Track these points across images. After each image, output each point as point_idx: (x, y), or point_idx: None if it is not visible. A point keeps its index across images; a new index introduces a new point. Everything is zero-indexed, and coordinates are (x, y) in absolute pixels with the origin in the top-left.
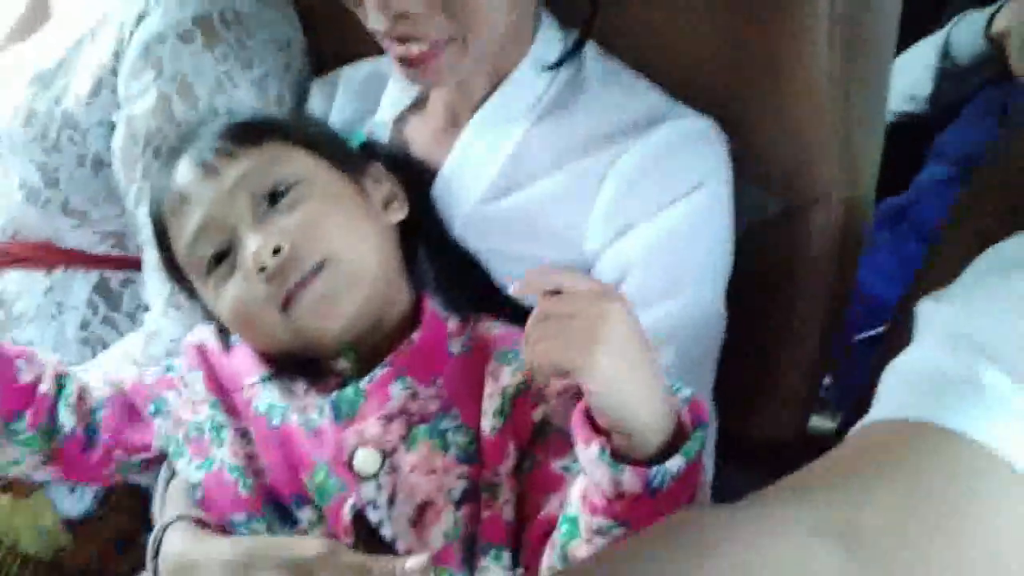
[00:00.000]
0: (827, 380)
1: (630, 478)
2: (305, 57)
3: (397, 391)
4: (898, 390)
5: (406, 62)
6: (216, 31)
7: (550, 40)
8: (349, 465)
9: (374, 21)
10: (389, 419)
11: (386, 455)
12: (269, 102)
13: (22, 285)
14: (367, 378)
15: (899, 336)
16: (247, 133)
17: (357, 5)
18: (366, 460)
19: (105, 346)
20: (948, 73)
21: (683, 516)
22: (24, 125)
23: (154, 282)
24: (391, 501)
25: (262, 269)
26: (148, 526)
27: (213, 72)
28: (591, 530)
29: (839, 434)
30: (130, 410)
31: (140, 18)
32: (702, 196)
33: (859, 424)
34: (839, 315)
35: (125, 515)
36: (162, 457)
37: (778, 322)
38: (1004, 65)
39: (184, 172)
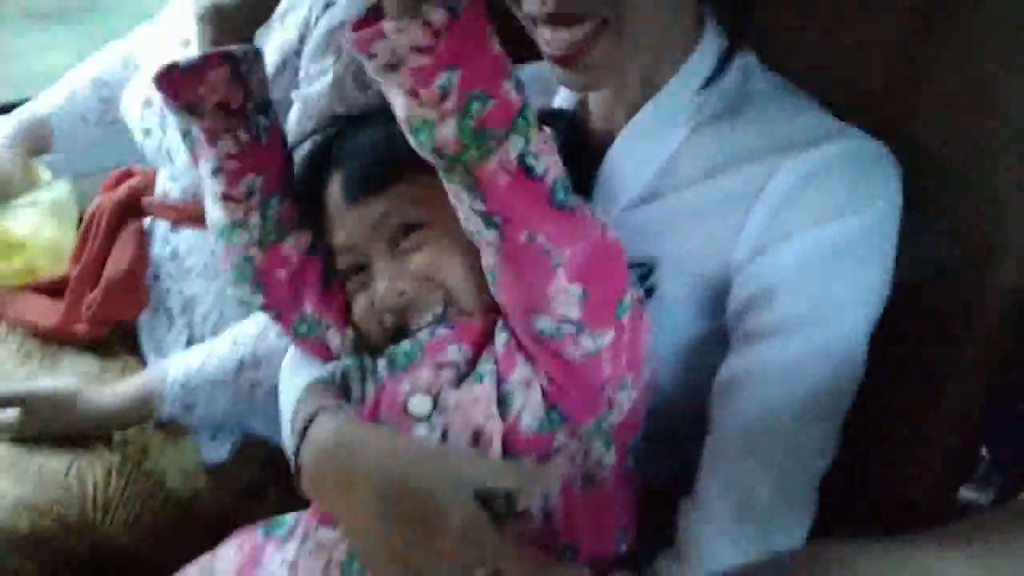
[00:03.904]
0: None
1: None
2: None
3: (453, 351)
4: None
5: (560, 60)
6: None
7: (712, 49)
8: (405, 410)
9: (529, 3)
10: (440, 367)
11: (435, 398)
12: None
13: (194, 243)
14: (427, 333)
15: None
16: (389, 171)
17: None
18: (419, 404)
19: None
20: None
21: (828, 549)
22: None
23: None
24: (444, 438)
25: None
26: (276, 478)
27: None
28: None
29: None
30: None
31: (327, 6)
32: (866, 218)
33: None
34: (1009, 382)
35: (257, 465)
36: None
37: (937, 379)
38: None
39: (334, 195)
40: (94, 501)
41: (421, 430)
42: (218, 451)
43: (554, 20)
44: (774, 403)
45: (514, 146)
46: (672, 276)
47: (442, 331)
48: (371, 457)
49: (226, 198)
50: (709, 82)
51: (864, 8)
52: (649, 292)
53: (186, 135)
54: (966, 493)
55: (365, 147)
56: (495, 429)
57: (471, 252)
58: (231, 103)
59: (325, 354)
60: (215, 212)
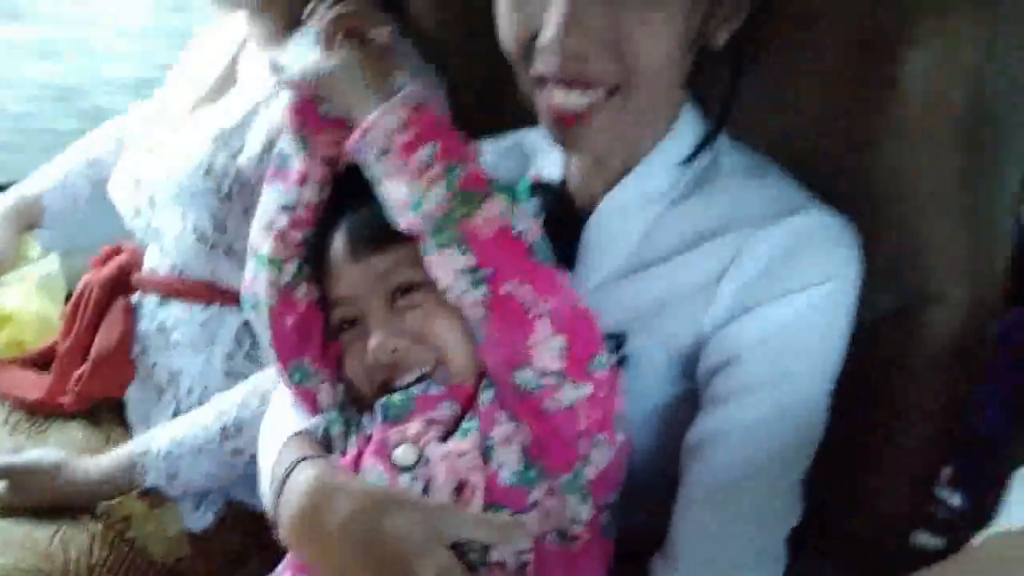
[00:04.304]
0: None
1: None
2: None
3: (444, 408)
4: None
5: (565, 122)
6: None
7: (690, 128)
8: (390, 459)
9: (544, 64)
10: (430, 423)
11: (421, 450)
12: None
13: (181, 317)
14: (420, 389)
15: None
16: (394, 230)
17: (520, 56)
18: (404, 454)
19: (245, 378)
20: None
21: None
22: (204, 176)
23: None
24: (425, 491)
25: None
26: (259, 545)
27: None
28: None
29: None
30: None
31: None
32: (827, 291)
33: (985, 533)
34: (953, 426)
35: (240, 533)
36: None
37: (883, 427)
38: None
39: (338, 249)
40: (77, 570)
41: (404, 479)
42: (201, 519)
43: (569, 82)
44: (741, 461)
45: (498, 203)
46: (646, 345)
47: (435, 389)
48: (348, 504)
49: (280, 237)
50: (685, 160)
51: (796, 72)
52: (623, 361)
53: (284, 159)
54: (920, 537)
55: (372, 205)
56: (479, 481)
57: (464, 317)
58: (337, 165)
59: (311, 405)
60: (260, 238)
